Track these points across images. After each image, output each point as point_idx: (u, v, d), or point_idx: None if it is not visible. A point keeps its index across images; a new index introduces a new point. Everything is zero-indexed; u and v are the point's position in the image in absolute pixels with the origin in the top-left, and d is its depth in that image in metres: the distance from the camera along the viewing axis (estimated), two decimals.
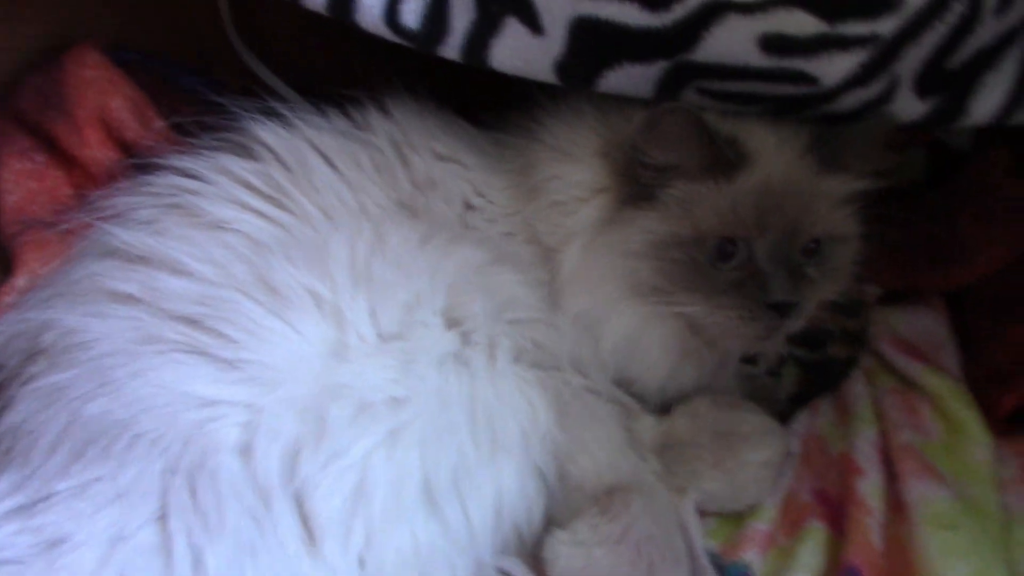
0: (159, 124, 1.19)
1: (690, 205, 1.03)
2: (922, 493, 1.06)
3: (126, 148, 1.18)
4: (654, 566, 0.98)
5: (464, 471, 0.94)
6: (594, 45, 0.98)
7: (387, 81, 1.13)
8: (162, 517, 0.82)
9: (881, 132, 1.09)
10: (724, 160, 1.01)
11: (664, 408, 1.18)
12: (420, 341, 0.95)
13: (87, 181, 1.16)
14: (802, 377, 1.29)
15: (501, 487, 0.97)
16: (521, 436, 0.99)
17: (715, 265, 1.02)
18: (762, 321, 1.02)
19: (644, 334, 1.09)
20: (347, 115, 1.12)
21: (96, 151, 1.16)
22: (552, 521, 1.04)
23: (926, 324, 1.31)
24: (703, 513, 1.13)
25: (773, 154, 1.04)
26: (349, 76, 1.14)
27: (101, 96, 1.17)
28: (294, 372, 0.88)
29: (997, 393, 1.18)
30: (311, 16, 1.03)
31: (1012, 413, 1.17)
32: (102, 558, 0.79)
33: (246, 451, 0.85)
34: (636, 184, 1.04)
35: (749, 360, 1.27)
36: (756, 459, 1.12)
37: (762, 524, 1.11)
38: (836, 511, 1.11)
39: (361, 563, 0.88)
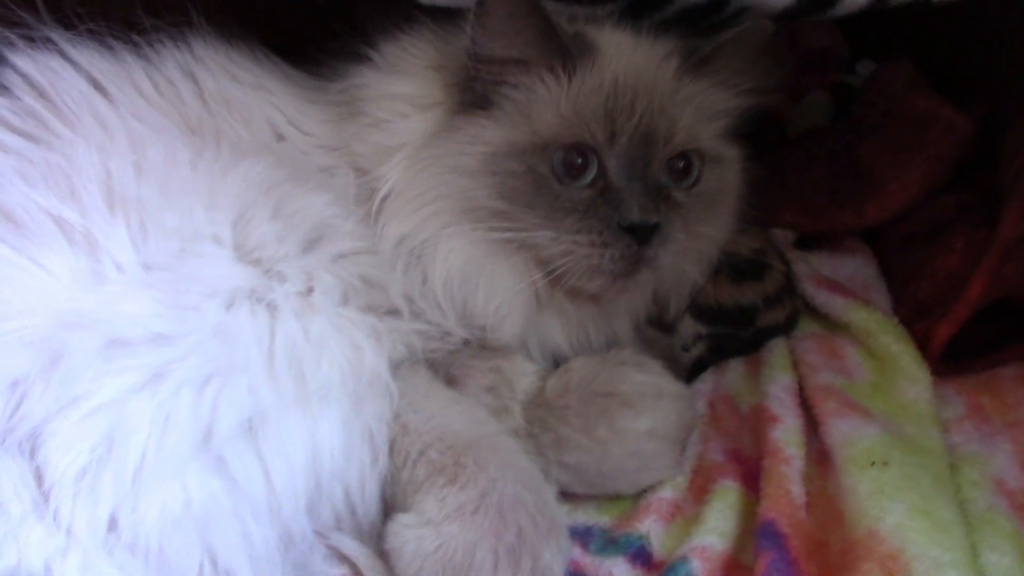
0: None
1: (529, 106, 0.90)
2: (845, 433, 0.90)
3: None
4: (524, 533, 0.80)
5: (261, 420, 0.77)
6: None
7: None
8: None
9: (756, 40, 0.97)
10: (565, 51, 0.89)
11: None
12: (196, 272, 0.79)
13: None
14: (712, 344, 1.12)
15: (318, 443, 0.80)
16: (342, 382, 0.82)
17: (562, 182, 0.89)
18: (617, 248, 0.88)
19: (482, 267, 0.93)
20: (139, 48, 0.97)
21: None
22: (393, 508, 0.87)
23: (852, 266, 1.17)
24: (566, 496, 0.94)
25: (625, 49, 0.92)
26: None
27: None
28: (30, 304, 0.72)
29: (926, 325, 1.02)
30: None
31: (950, 348, 1.01)
32: None
33: None
34: (470, 87, 0.91)
35: (664, 328, 1.11)
36: (638, 427, 0.92)
37: (666, 492, 0.93)
38: (751, 469, 0.94)
39: (112, 524, 0.71)
